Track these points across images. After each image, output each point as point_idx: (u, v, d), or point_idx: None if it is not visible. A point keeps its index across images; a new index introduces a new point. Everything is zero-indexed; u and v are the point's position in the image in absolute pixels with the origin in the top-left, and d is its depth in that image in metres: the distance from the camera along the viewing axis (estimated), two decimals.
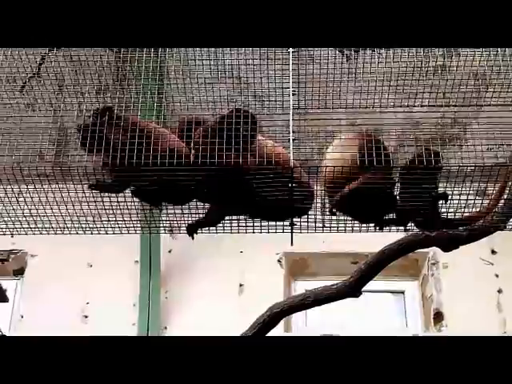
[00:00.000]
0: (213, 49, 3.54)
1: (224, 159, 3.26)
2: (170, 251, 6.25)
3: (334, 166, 3.44)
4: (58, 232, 3.59)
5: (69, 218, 3.53)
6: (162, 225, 3.69)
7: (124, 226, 3.56)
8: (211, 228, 3.65)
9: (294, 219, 3.44)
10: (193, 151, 3.37)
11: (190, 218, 3.62)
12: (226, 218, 3.60)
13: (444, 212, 3.62)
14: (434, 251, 5.94)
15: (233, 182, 3.36)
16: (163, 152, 3.25)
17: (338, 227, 3.56)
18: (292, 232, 3.47)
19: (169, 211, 3.61)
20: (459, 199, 3.54)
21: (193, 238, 3.68)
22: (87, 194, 3.49)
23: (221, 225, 3.61)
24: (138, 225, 3.61)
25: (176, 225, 3.63)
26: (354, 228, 3.61)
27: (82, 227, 3.56)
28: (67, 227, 3.57)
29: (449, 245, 3.97)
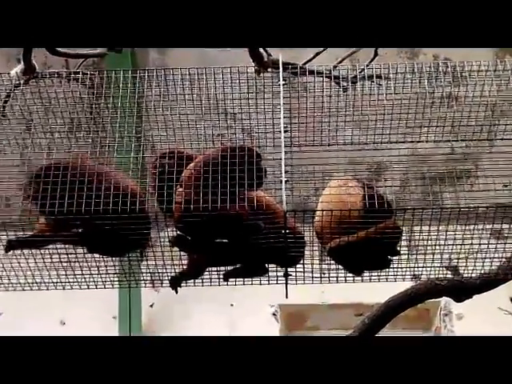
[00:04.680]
0: (196, 80, 3.42)
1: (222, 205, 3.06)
2: (151, 305, 6.15)
3: (333, 210, 3.24)
4: (26, 288, 3.40)
5: (38, 272, 3.34)
6: (142, 278, 3.50)
7: (100, 279, 3.37)
8: (197, 280, 3.46)
9: (289, 269, 3.28)
10: (180, 189, 3.19)
11: (172, 270, 3.44)
12: (214, 268, 3.43)
13: (454, 258, 3.44)
14: (446, 300, 5.84)
15: (226, 231, 3.23)
16: (116, 198, 3.10)
17: (337, 277, 3.37)
18: (287, 283, 3.29)
19: (149, 263, 3.41)
20: (471, 243, 3.36)
21: (176, 292, 3.51)
22: (58, 245, 3.31)
23: (208, 276, 3.42)
24: (116, 278, 3.42)
25: (158, 277, 3.45)
26: (356, 278, 3.42)
27: (53, 282, 3.37)
28: (36, 282, 3.37)
29: (461, 294, 3.88)
